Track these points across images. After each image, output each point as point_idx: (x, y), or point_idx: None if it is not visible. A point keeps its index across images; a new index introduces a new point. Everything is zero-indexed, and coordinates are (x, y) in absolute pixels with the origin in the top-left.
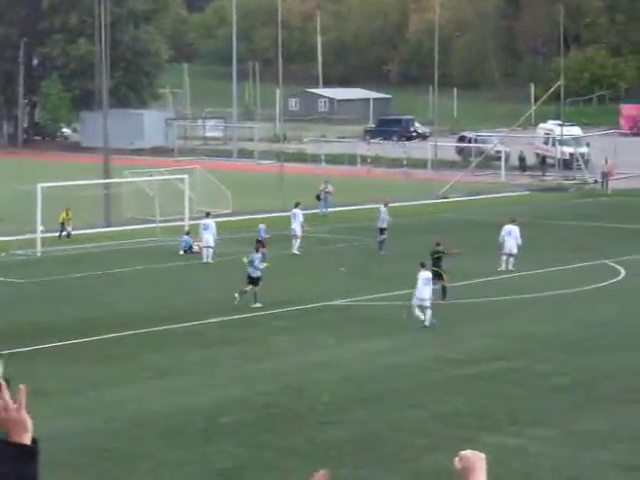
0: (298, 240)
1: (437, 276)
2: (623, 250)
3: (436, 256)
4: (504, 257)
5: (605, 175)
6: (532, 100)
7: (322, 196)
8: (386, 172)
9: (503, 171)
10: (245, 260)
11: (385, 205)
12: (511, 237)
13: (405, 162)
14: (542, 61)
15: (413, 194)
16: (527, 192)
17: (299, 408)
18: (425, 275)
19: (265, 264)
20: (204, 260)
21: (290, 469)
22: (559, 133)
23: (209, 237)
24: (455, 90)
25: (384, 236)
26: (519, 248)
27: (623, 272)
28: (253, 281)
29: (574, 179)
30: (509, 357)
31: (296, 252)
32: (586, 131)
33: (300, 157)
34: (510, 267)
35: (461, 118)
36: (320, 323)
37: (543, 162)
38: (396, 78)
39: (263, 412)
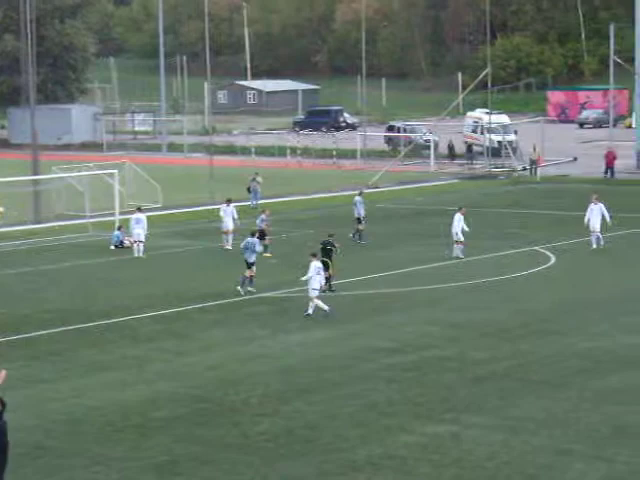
0: (230, 235)
1: (325, 266)
2: (553, 236)
3: (328, 247)
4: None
5: (533, 162)
6: (460, 89)
7: (252, 188)
8: (316, 163)
9: (432, 160)
10: (259, 249)
11: (360, 194)
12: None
13: (335, 153)
14: (469, 50)
15: (343, 184)
16: (456, 180)
17: (233, 401)
18: (317, 265)
19: (268, 255)
20: (135, 255)
21: (226, 462)
22: (487, 121)
23: (140, 232)
24: (383, 80)
25: (362, 226)
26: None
27: (553, 258)
28: (249, 266)
29: (503, 167)
30: (442, 345)
31: (229, 248)
32: (514, 119)
33: (230, 150)
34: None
35: (390, 108)
36: (252, 315)
37: (469, 150)
38: (324, 69)
39: (197, 406)
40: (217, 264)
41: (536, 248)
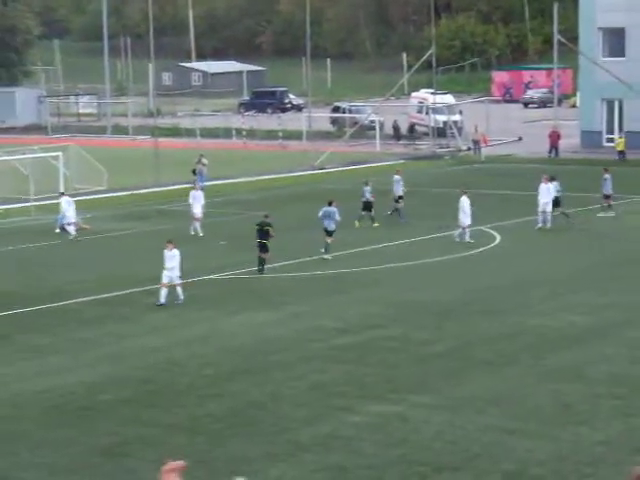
0: (198, 223)
1: (262, 248)
2: (497, 216)
3: (265, 228)
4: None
5: (477, 142)
6: (404, 69)
7: (198, 170)
8: (262, 144)
9: (378, 141)
10: (338, 218)
11: (397, 173)
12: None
13: (280, 134)
14: (413, 30)
15: (289, 165)
16: (402, 161)
17: (179, 383)
18: (176, 252)
19: (376, 224)
20: (70, 237)
21: (173, 444)
22: (432, 101)
23: (72, 214)
24: (328, 61)
25: (401, 204)
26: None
27: (498, 238)
28: (328, 233)
29: (448, 147)
30: (387, 325)
31: (199, 233)
32: (459, 99)
33: (175, 132)
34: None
35: (335, 89)
36: (200, 297)
37: (412, 130)
38: (269, 50)
39: (143, 388)
40: (162, 246)
41: (481, 228)
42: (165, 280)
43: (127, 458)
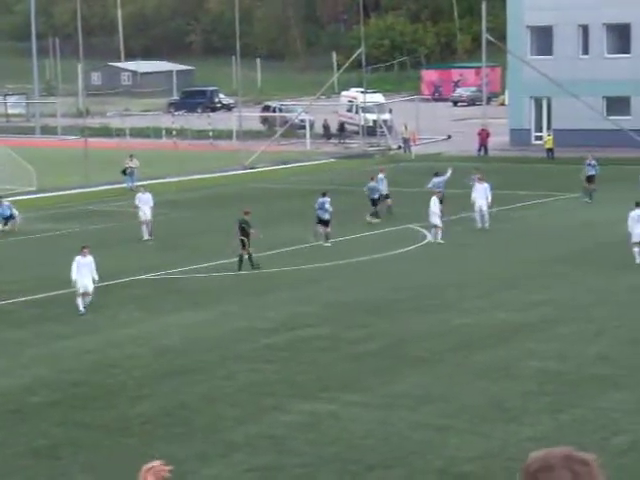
0: (148, 225)
1: (242, 245)
2: (427, 214)
3: (243, 225)
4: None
5: (406, 140)
6: (334, 68)
7: (128, 171)
8: (192, 144)
9: (308, 140)
10: (329, 208)
11: (381, 172)
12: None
13: (211, 133)
14: (343, 29)
15: (220, 165)
16: (332, 160)
17: (110, 384)
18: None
19: (377, 220)
20: None
21: (104, 446)
22: (362, 100)
23: None
24: (258, 60)
25: (389, 202)
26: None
27: (429, 236)
28: (323, 222)
29: (378, 145)
30: (317, 324)
31: (149, 237)
32: (388, 98)
33: (104, 132)
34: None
35: (265, 88)
36: (129, 298)
37: (341, 129)
38: (199, 49)
39: (74, 390)
40: (94, 247)
41: (411, 226)
42: (82, 290)
43: (58, 460)
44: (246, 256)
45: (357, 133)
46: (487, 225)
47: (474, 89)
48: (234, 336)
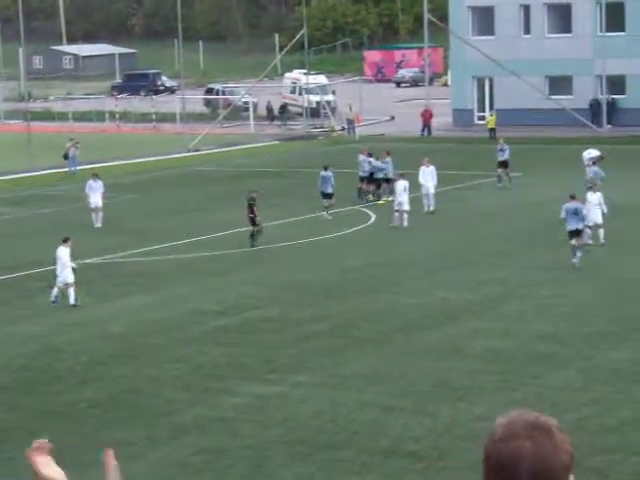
0: (100, 213)
1: (252, 222)
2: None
3: (249, 203)
4: None
5: (351, 122)
6: (277, 50)
7: (70, 155)
8: (135, 127)
9: (252, 122)
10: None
11: (388, 155)
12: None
13: (154, 117)
14: (285, 11)
15: (163, 148)
16: (276, 142)
17: (58, 369)
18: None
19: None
20: None
21: (53, 431)
22: (305, 82)
23: None
24: (200, 43)
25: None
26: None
27: (373, 217)
28: (327, 195)
29: (322, 127)
30: (265, 306)
31: (99, 226)
32: (331, 79)
33: (47, 116)
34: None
35: (208, 70)
36: (78, 282)
37: (283, 111)
38: (141, 32)
39: (21, 375)
40: (40, 231)
41: (356, 207)
42: (69, 280)
43: (4, 444)
44: (256, 230)
45: (301, 115)
46: (432, 208)
47: (417, 70)
48: (182, 319)
